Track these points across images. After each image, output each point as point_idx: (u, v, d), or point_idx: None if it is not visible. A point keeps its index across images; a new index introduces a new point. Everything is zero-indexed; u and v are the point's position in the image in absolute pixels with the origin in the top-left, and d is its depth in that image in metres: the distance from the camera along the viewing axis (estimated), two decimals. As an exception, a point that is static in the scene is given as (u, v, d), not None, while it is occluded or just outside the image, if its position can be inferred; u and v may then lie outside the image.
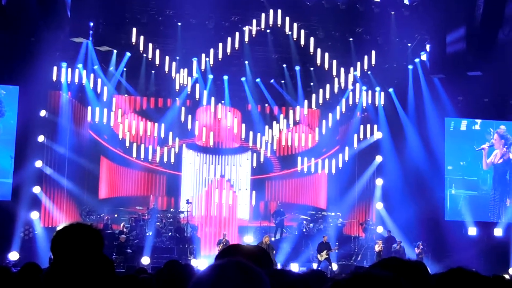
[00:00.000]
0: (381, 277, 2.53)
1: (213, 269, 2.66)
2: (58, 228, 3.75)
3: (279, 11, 27.41)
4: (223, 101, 32.81)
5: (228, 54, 28.87)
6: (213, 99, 32.35)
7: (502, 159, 32.76)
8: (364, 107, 32.54)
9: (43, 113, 29.35)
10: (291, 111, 33.36)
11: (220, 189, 33.08)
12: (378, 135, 32.42)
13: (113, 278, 3.81)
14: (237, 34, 28.48)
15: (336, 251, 29.04)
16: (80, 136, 31.26)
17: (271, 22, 27.59)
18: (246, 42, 28.86)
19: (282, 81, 32.72)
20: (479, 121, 32.48)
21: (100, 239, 3.72)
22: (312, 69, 31.43)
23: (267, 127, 33.15)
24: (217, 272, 2.63)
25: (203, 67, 30.36)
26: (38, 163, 29.01)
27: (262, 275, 2.65)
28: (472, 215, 31.61)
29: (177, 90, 31.03)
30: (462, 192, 32.12)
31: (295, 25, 28.13)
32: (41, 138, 29.20)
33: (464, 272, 3.93)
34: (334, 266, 28.33)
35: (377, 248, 28.62)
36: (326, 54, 29.29)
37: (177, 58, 29.87)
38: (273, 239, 29.42)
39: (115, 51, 29.14)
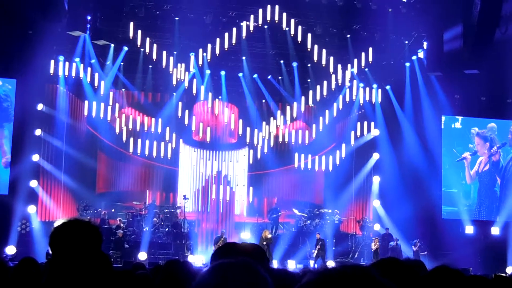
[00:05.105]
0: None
1: (218, 270, 2.55)
2: (56, 224, 3.75)
3: (277, 7, 27.45)
4: (220, 97, 32.77)
5: (226, 49, 28.85)
6: (210, 94, 32.29)
7: (488, 166, 30.81)
8: (361, 104, 32.54)
9: (40, 106, 29.30)
10: (288, 107, 33.31)
11: (217, 185, 33.03)
12: (375, 132, 32.41)
13: (110, 274, 3.81)
14: (234, 29, 28.45)
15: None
16: (77, 130, 31.25)
17: (268, 18, 27.64)
18: (244, 38, 28.80)
19: (280, 77, 32.69)
20: (460, 118, 31.11)
21: (98, 235, 3.73)
22: (309, 65, 31.40)
23: (264, 123, 33.12)
24: (222, 273, 2.53)
25: (200, 62, 30.28)
26: (35, 157, 28.96)
27: (267, 276, 2.57)
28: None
29: (174, 85, 30.96)
30: None
31: (292, 21, 28.10)
32: (38, 132, 29.16)
33: (448, 271, 3.96)
34: (331, 264, 28.30)
35: (373, 246, 28.61)
36: (324, 51, 29.30)
37: (175, 53, 29.86)
38: (270, 236, 29.42)
39: (112, 45, 29.16)
